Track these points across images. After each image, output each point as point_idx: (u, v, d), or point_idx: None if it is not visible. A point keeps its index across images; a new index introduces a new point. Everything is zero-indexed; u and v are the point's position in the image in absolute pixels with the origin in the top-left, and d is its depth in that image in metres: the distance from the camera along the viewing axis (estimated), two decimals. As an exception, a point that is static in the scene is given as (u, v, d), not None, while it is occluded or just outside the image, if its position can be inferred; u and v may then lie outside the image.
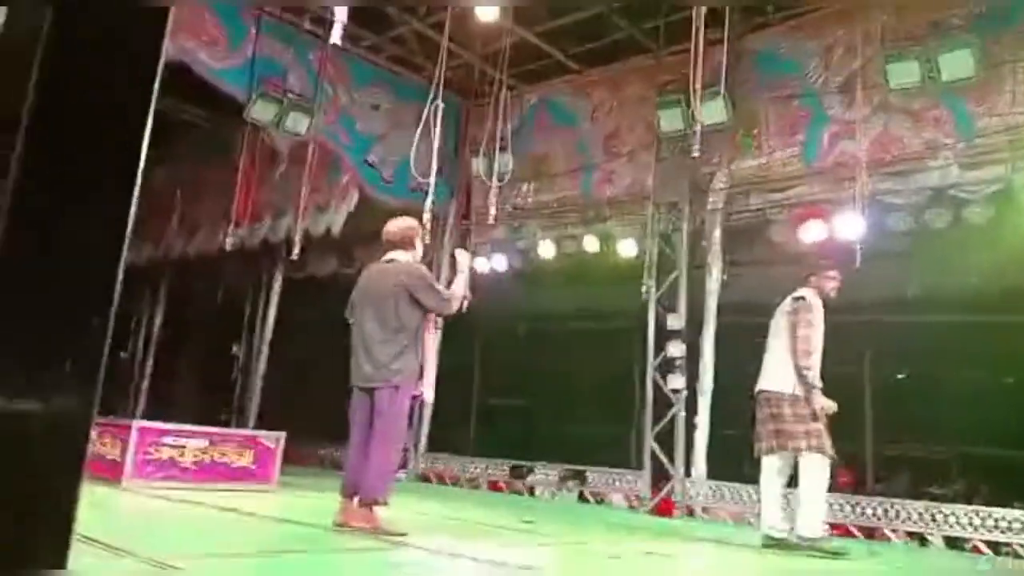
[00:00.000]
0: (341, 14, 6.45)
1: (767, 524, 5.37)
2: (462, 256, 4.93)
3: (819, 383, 5.17)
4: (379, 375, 4.47)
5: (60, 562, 0.72)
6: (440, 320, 7.83)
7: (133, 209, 0.84)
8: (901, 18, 7.30)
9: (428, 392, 4.78)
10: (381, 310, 4.53)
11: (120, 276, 0.82)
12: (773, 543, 5.28)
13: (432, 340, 4.76)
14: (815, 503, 5.15)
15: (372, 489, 4.38)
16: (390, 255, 4.74)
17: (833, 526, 6.37)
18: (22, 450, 0.75)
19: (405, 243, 4.74)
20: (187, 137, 12.36)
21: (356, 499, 4.47)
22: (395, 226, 4.79)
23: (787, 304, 5.48)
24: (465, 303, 4.79)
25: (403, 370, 4.48)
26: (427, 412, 10.00)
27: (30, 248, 0.75)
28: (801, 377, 5.17)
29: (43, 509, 0.75)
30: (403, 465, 9.67)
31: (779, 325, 5.47)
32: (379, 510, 4.39)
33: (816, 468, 5.12)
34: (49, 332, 0.76)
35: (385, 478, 4.45)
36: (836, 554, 5.07)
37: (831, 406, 5.17)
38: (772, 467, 5.37)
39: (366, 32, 9.39)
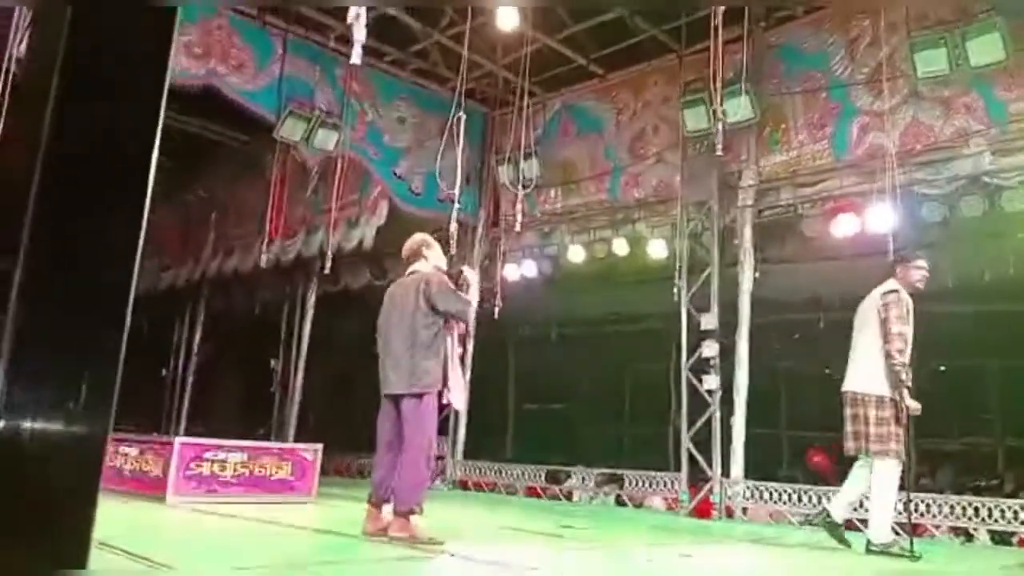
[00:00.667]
0: (359, 34, 6.54)
1: (833, 505, 5.29)
2: (471, 274, 5.01)
3: (910, 382, 4.96)
4: (401, 382, 4.56)
5: (82, 562, 0.76)
6: (471, 329, 7.88)
7: (144, 221, 0.88)
8: (926, 5, 7.18)
9: (457, 400, 4.81)
10: (403, 319, 4.63)
11: (134, 286, 0.86)
12: (827, 522, 5.21)
13: (456, 348, 4.80)
14: (885, 509, 4.99)
15: (406, 499, 4.42)
16: (410, 268, 4.92)
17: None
18: (44, 461, 0.80)
19: (416, 256, 4.93)
20: (220, 157, 12.64)
21: (385, 507, 4.53)
22: (407, 243, 5.03)
23: (876, 298, 5.19)
24: (496, 310, 4.85)
25: (424, 376, 4.53)
26: (462, 419, 10.05)
27: (51, 258, 0.80)
28: (894, 373, 4.94)
29: (65, 514, 0.79)
30: (440, 473, 9.72)
31: (866, 320, 5.21)
32: (415, 519, 4.42)
33: (887, 473, 4.97)
34: (65, 346, 0.80)
35: (418, 487, 4.48)
36: (908, 556, 4.82)
37: (917, 407, 4.96)
38: (864, 466, 5.19)
39: (389, 47, 9.51)
